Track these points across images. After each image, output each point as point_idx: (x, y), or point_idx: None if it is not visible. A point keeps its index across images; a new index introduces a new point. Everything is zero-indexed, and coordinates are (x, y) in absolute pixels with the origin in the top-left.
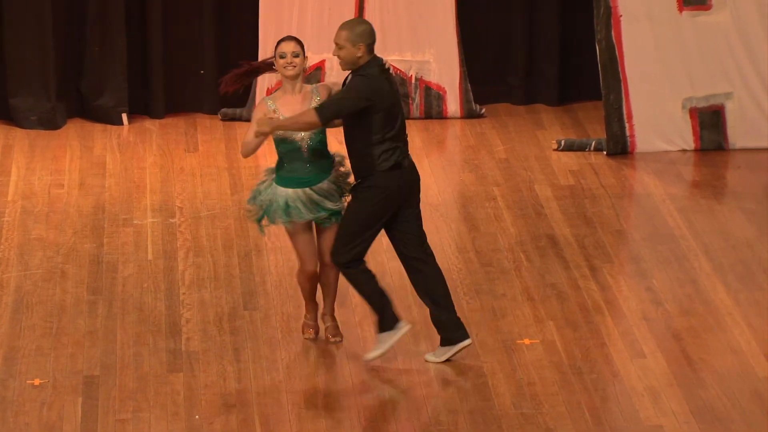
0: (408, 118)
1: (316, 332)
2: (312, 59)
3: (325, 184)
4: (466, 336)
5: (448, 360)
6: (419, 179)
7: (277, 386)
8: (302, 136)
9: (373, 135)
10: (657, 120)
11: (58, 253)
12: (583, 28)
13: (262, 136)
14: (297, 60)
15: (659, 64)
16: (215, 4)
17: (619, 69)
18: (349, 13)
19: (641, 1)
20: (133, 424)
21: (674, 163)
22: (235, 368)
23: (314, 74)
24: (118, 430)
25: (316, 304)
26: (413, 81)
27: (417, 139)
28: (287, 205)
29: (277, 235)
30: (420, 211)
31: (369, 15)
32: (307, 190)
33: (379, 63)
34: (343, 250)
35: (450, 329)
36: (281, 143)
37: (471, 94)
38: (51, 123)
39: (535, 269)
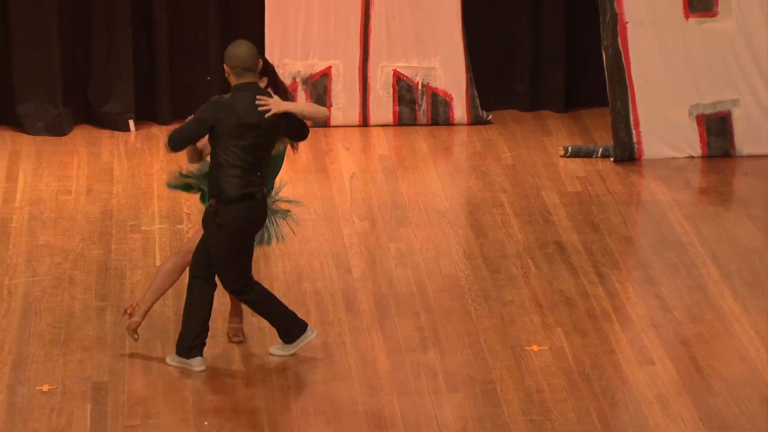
0: (414, 125)
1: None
2: (318, 66)
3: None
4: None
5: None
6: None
7: (285, 392)
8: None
9: (227, 159)
10: (664, 127)
11: (66, 259)
12: (590, 35)
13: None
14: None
15: (666, 71)
16: (221, 10)
17: (626, 75)
18: (355, 20)
19: (647, 8)
20: (142, 430)
21: (681, 169)
22: (244, 374)
23: (321, 80)
24: None
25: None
26: (420, 87)
27: (424, 145)
28: None
29: (284, 242)
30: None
31: (375, 21)
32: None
33: (238, 87)
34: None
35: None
36: None
37: (478, 100)
38: (58, 129)
39: (543, 276)
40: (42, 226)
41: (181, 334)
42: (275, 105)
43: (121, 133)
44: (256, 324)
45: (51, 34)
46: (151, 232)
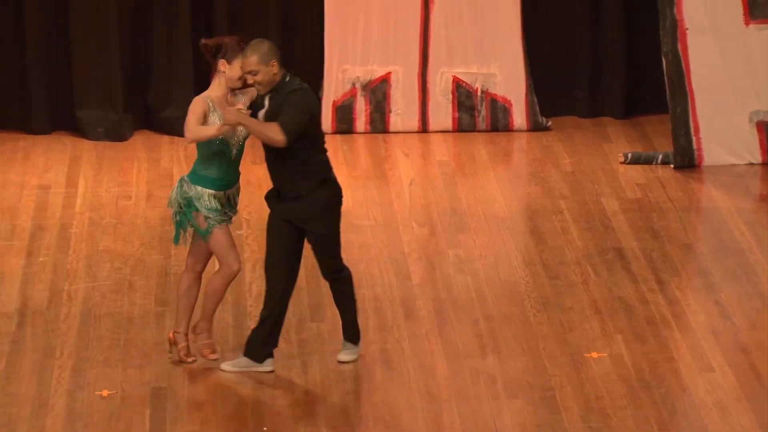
0: (474, 131)
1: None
2: (377, 72)
3: (235, 188)
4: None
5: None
6: None
7: (344, 398)
8: (237, 140)
9: (318, 145)
10: (724, 133)
11: (125, 264)
12: (650, 41)
13: (227, 127)
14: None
15: (726, 77)
16: (281, 16)
17: (686, 82)
18: (414, 26)
19: (707, 14)
20: None
21: (741, 176)
22: (303, 380)
23: (380, 86)
24: None
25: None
26: (479, 93)
27: (483, 151)
28: (218, 204)
29: (344, 248)
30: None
31: (434, 27)
32: (228, 191)
33: (291, 74)
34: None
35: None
36: (212, 144)
37: (537, 106)
38: (118, 135)
39: (603, 283)
40: (102, 232)
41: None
42: None
43: (181, 139)
44: (314, 329)
45: (111, 41)
46: None
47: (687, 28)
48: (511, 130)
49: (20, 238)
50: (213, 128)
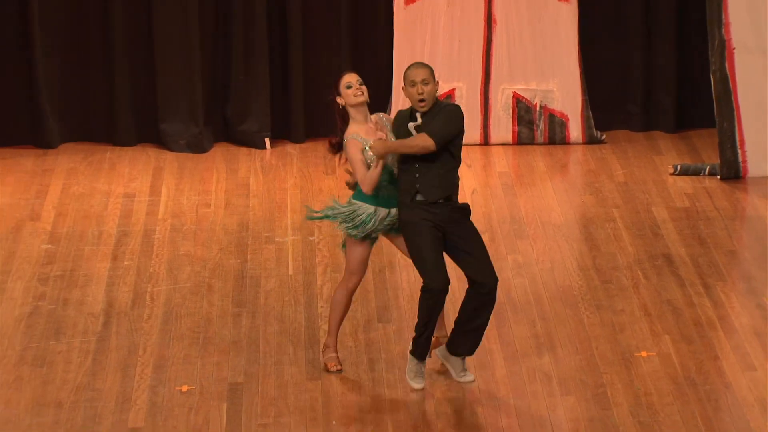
0: (532, 144)
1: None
2: (443, 87)
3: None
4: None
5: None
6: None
7: (408, 395)
8: (392, 160)
9: (457, 160)
10: None
11: (204, 268)
12: (699, 60)
13: (380, 160)
14: (363, 88)
15: None
16: (352, 33)
17: (733, 99)
18: (478, 44)
19: (754, 35)
20: (274, 429)
21: None
22: (370, 377)
23: (446, 101)
24: None
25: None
26: (538, 108)
27: (541, 163)
28: (373, 219)
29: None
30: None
31: (496, 46)
32: (391, 210)
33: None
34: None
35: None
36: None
37: (592, 121)
38: (198, 147)
39: (652, 286)
40: (183, 237)
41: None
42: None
43: (258, 151)
44: (381, 330)
45: (193, 59)
46: (284, 243)
47: (734, 48)
48: (568, 143)
49: (107, 243)
50: (376, 170)
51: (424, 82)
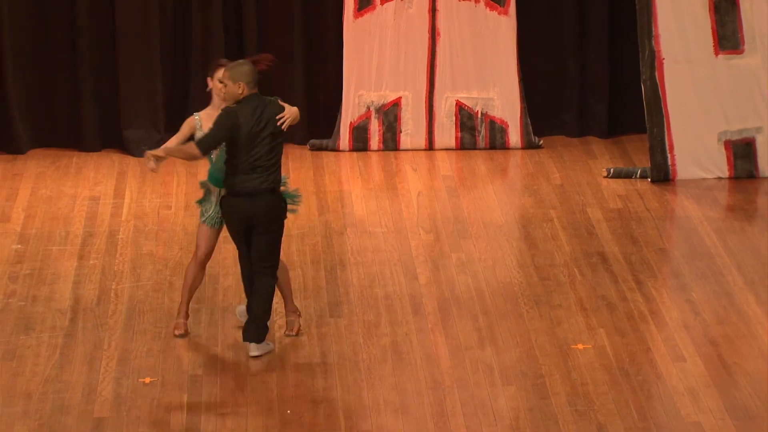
0: (474, 149)
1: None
2: (389, 96)
3: None
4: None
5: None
6: (261, 209)
7: (358, 385)
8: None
9: (236, 159)
10: (695, 151)
11: (166, 266)
12: (630, 69)
13: (158, 159)
14: (221, 86)
15: (697, 102)
16: (304, 46)
17: (662, 106)
18: (423, 56)
19: (682, 46)
20: (233, 418)
21: (711, 189)
22: (322, 369)
23: (392, 109)
24: (221, 424)
25: None
26: (479, 116)
27: (482, 167)
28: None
29: (359, 252)
30: (267, 236)
31: (440, 57)
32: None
33: (257, 96)
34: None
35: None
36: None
37: (530, 127)
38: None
39: (588, 282)
40: (145, 237)
41: (261, 325)
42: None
43: None
44: (333, 324)
45: (154, 70)
46: None
47: (663, 58)
48: (508, 148)
49: (73, 243)
50: (151, 164)
51: (223, 84)
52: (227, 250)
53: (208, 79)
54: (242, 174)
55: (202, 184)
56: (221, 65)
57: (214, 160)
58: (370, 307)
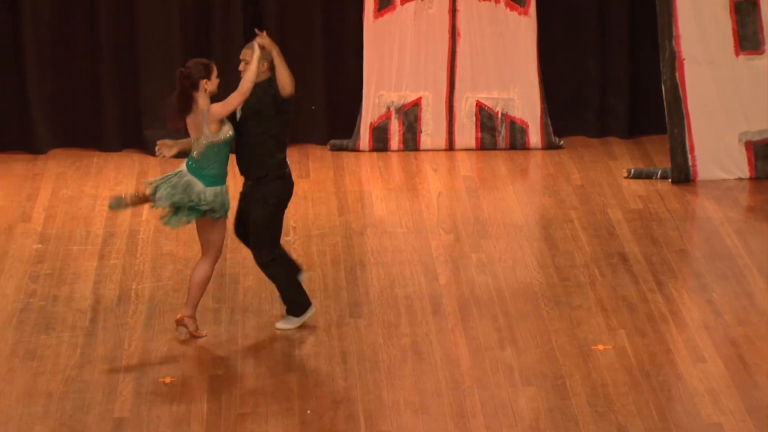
0: (494, 149)
1: None
2: (409, 97)
3: None
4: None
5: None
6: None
7: (378, 385)
8: (232, 134)
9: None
10: (716, 151)
11: (186, 266)
12: (651, 70)
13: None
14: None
15: (718, 102)
16: (324, 46)
17: (683, 106)
18: (443, 56)
19: (702, 47)
20: (252, 418)
21: (731, 189)
22: (342, 369)
23: (412, 110)
24: (240, 423)
25: None
26: (499, 116)
27: (503, 167)
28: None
29: (379, 252)
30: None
31: (460, 57)
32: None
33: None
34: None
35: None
36: (217, 144)
37: (551, 127)
38: (180, 152)
39: (608, 283)
40: (165, 237)
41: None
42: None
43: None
44: (353, 325)
45: (175, 70)
46: None
47: (684, 59)
48: (528, 149)
49: (94, 243)
50: (251, 72)
51: (245, 62)
52: (247, 250)
53: (203, 81)
54: (284, 149)
55: (172, 202)
56: (208, 64)
57: (197, 158)
58: (390, 307)
